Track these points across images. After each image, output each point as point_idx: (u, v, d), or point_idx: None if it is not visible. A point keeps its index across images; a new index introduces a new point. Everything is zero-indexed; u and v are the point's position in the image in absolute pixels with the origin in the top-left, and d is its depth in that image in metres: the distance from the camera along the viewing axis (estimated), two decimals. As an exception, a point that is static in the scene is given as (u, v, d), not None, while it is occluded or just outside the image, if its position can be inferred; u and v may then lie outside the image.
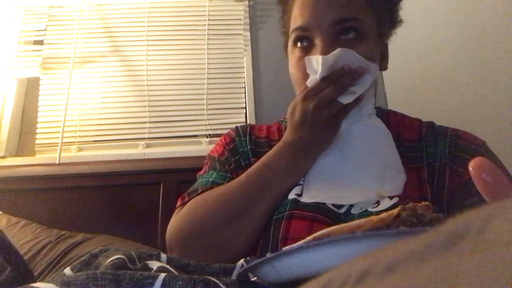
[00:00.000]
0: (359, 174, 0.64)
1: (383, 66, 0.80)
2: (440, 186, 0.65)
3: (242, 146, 0.79)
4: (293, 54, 0.74)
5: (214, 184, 0.73)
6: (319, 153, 0.68)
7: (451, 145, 0.69)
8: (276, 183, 0.66)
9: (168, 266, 0.41)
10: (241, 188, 0.67)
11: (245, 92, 1.86)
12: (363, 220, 0.36)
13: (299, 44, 0.72)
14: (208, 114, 1.82)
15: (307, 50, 0.71)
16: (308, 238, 0.38)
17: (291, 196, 0.66)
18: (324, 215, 0.62)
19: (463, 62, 1.22)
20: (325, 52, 0.67)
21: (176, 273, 0.40)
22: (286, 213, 0.63)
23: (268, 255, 0.36)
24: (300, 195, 0.66)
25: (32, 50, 1.83)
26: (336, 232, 0.36)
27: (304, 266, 0.34)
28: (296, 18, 0.73)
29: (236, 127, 0.84)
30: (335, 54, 0.64)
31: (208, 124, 1.81)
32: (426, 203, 0.36)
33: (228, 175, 0.76)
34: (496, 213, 0.16)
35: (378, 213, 0.59)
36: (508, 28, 1.03)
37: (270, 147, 0.77)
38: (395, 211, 0.35)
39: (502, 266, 0.13)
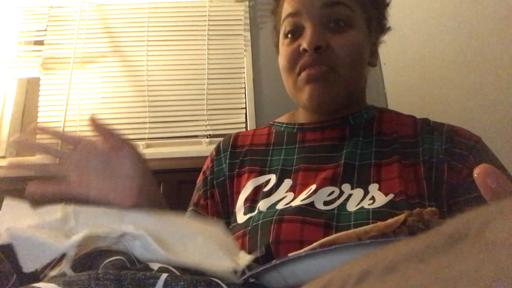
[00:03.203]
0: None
1: (373, 62, 0.79)
2: (438, 182, 0.65)
3: (220, 165, 0.79)
4: (283, 45, 0.74)
5: None
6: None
7: (447, 141, 0.69)
8: None
9: (169, 267, 0.41)
10: None
11: (245, 93, 1.86)
12: (369, 226, 0.36)
13: (289, 35, 0.72)
14: (208, 115, 1.82)
15: (296, 38, 0.71)
16: (315, 244, 0.38)
17: (280, 206, 0.65)
18: (315, 216, 0.61)
19: (463, 62, 1.22)
20: (314, 37, 0.67)
21: (177, 273, 0.40)
22: (275, 217, 0.62)
23: (274, 261, 0.36)
24: (288, 203, 0.65)
25: (33, 50, 1.83)
26: (343, 238, 0.36)
27: (311, 272, 0.34)
28: (287, 7, 0.73)
29: (219, 144, 0.84)
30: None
31: (209, 125, 1.81)
32: (433, 209, 0.36)
33: (192, 208, 0.79)
34: (495, 214, 0.16)
35: (374, 210, 0.59)
36: (508, 28, 1.03)
37: (253, 153, 0.77)
38: (402, 216, 0.35)
39: (502, 266, 0.13)
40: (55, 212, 0.45)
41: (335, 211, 0.61)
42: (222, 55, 1.89)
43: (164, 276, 0.35)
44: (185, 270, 0.44)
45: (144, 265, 0.40)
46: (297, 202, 0.64)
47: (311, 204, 0.63)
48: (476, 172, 0.30)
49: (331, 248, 0.33)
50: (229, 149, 0.80)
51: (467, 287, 0.14)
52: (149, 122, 1.79)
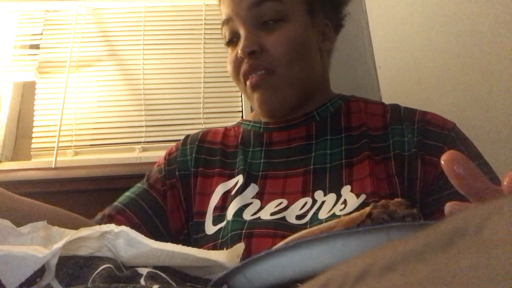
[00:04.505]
0: None
1: (326, 46, 0.75)
2: (411, 178, 0.61)
3: (184, 155, 0.76)
4: (228, 52, 0.74)
5: (126, 199, 0.75)
6: None
7: (419, 132, 0.65)
8: None
9: (158, 271, 0.39)
10: None
11: (241, 96, 1.86)
12: (333, 221, 0.35)
13: (228, 42, 0.72)
14: (204, 118, 1.82)
15: (236, 44, 0.70)
16: (280, 243, 0.37)
17: (247, 217, 0.62)
18: (287, 229, 0.58)
19: (458, 66, 1.23)
20: (246, 43, 0.66)
21: (167, 277, 0.39)
22: (244, 231, 0.59)
23: (237, 264, 0.35)
24: (256, 213, 0.62)
25: (28, 54, 1.82)
26: (307, 235, 0.35)
27: (275, 272, 0.33)
28: (223, 14, 0.72)
29: (187, 135, 0.81)
30: None
31: (205, 128, 1.80)
32: (399, 199, 0.35)
33: (144, 186, 0.74)
34: (493, 212, 0.16)
35: (346, 215, 0.58)
36: (504, 30, 1.04)
37: (224, 154, 0.74)
38: (367, 209, 0.34)
39: (500, 265, 0.13)
40: (37, 230, 0.45)
41: (308, 225, 0.58)
42: (218, 58, 1.89)
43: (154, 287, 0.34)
44: (174, 277, 0.43)
45: (132, 271, 0.39)
46: (266, 215, 0.61)
47: (283, 218, 0.60)
48: (443, 159, 0.30)
49: (289, 245, 0.31)
50: (197, 143, 0.77)
51: (465, 286, 0.14)
52: (146, 126, 1.79)
